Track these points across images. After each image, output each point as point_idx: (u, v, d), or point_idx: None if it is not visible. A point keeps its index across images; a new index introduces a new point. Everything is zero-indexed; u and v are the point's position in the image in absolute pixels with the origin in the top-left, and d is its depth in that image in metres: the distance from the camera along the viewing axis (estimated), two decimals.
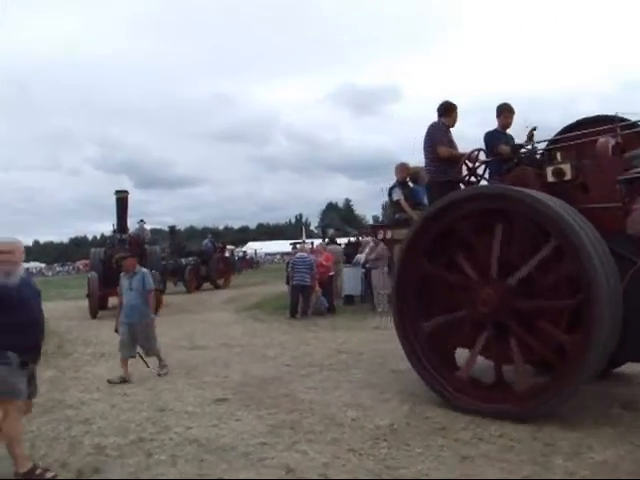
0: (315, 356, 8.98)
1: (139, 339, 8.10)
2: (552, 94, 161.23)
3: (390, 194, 7.88)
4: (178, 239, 29.11)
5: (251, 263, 48.89)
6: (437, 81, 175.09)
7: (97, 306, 16.13)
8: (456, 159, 6.62)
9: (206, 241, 27.97)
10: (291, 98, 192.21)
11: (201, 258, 25.22)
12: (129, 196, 17.96)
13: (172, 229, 29.24)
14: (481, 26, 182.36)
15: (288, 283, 14.90)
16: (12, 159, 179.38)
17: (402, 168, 8.20)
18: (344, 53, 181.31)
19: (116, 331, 8.31)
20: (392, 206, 7.74)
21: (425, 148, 6.77)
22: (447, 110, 6.90)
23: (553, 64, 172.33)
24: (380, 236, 7.39)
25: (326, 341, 10.41)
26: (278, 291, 18.28)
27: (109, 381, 7.67)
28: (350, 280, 15.76)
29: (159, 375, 7.96)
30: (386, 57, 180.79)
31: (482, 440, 4.87)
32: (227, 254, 42.19)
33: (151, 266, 16.48)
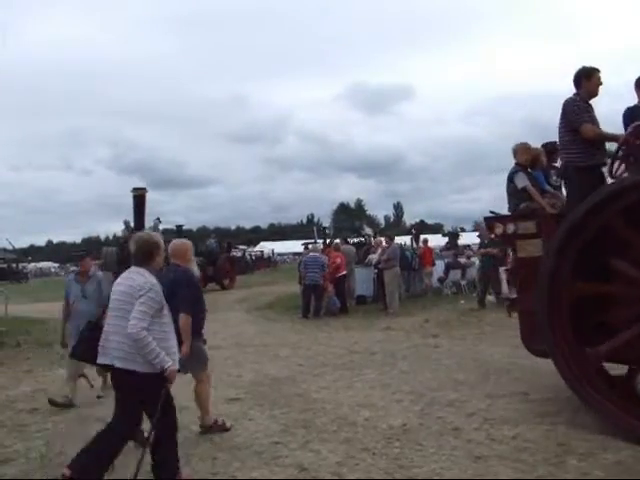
0: (327, 356, 8.98)
1: None
2: (568, 92, 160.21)
3: (512, 180, 6.65)
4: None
5: (269, 262, 48.85)
6: (451, 80, 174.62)
7: None
8: (603, 139, 5.66)
9: (211, 241, 27.55)
10: (303, 98, 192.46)
11: (207, 258, 24.73)
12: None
13: (179, 228, 27.43)
14: (496, 22, 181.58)
15: (300, 283, 14.91)
16: (26, 159, 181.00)
17: (524, 149, 6.96)
18: (356, 53, 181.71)
19: (64, 346, 6.92)
20: (515, 194, 6.52)
21: (561, 129, 5.76)
22: (584, 77, 5.66)
23: (570, 61, 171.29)
24: (499, 230, 6.03)
25: (338, 341, 10.42)
26: (290, 291, 18.31)
27: (51, 401, 6.49)
28: (362, 280, 15.76)
29: (98, 397, 6.75)
30: (399, 56, 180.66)
31: (495, 440, 4.85)
32: (239, 254, 42.59)
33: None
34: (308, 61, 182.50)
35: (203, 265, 23.85)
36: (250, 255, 52.07)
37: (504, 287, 13.72)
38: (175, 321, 4.42)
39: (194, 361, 5.12)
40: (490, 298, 12.96)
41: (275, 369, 8.17)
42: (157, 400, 3.96)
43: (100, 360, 4.12)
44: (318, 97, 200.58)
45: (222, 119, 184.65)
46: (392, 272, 13.83)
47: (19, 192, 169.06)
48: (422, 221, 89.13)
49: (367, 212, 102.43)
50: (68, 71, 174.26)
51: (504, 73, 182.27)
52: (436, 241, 23.88)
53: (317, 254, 14.44)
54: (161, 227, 21.08)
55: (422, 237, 19.67)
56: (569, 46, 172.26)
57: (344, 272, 14.52)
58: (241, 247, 49.38)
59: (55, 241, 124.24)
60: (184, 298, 4.96)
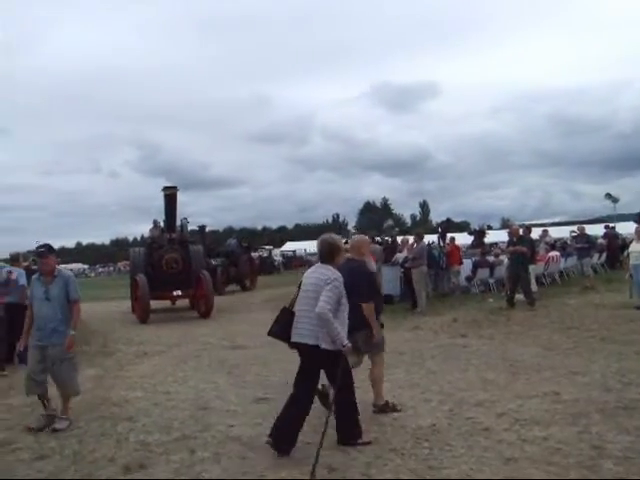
0: None
1: (53, 371, 5.90)
2: (595, 86, 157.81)
3: None
4: (208, 240, 27.08)
5: (301, 262, 48.72)
6: (476, 76, 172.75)
7: (149, 310, 14.87)
8: None
9: (232, 241, 27.00)
10: (327, 98, 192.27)
11: (229, 259, 24.33)
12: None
13: (202, 229, 26.84)
14: (521, 18, 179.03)
15: None
16: (55, 163, 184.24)
17: None
18: (380, 51, 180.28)
19: (18, 355, 6.50)
20: None
21: None
22: None
23: (595, 55, 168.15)
24: None
25: None
26: None
27: (29, 428, 5.81)
28: (388, 280, 15.68)
29: (55, 430, 5.70)
30: (423, 54, 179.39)
31: (526, 442, 4.79)
32: (265, 254, 42.76)
33: (196, 267, 16.17)
34: (332, 60, 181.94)
35: (224, 266, 23.72)
36: (283, 255, 52.25)
37: (533, 286, 13.56)
38: (352, 308, 4.99)
39: (373, 345, 5.69)
40: (519, 297, 12.79)
41: None
42: (336, 371, 4.67)
43: (293, 339, 4.92)
44: (342, 96, 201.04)
45: (247, 120, 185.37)
46: (419, 271, 13.73)
47: (49, 195, 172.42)
48: (448, 219, 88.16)
49: (393, 211, 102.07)
50: (95, 77, 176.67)
51: (529, 69, 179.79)
52: (463, 239, 23.61)
53: None
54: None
55: (449, 235, 19.49)
56: (595, 41, 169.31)
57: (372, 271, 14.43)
58: (267, 247, 49.61)
59: (84, 243, 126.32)
60: (364, 289, 5.48)
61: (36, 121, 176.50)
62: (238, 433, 5.39)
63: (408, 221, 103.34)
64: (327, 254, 4.94)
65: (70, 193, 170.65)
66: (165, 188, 16.10)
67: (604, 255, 19.42)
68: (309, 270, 5.09)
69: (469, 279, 16.57)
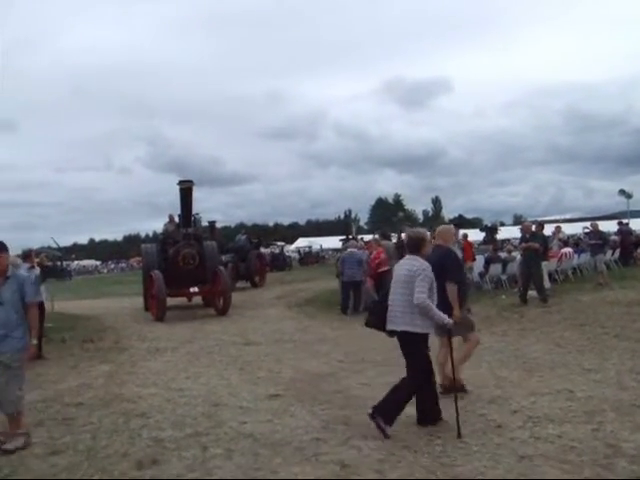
0: (367, 352, 8.94)
1: None
2: (609, 82, 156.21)
3: None
4: (218, 236, 25.99)
5: (317, 258, 48.69)
6: (488, 72, 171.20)
7: (165, 308, 14.32)
8: None
9: (241, 237, 26.61)
10: (340, 94, 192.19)
11: (238, 255, 23.87)
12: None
13: (212, 225, 25.78)
14: (534, 13, 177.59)
15: (339, 277, 14.83)
16: (67, 160, 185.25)
17: None
18: (392, 47, 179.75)
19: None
20: None
21: None
22: None
23: (610, 51, 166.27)
24: None
25: (378, 337, 10.28)
26: (329, 287, 18.30)
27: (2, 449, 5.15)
28: None
29: (6, 451, 5.07)
30: (435, 50, 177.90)
31: (540, 439, 4.76)
32: (277, 250, 42.83)
33: (211, 263, 15.88)
34: (345, 56, 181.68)
35: (234, 262, 23.17)
36: (299, 251, 52.24)
37: (546, 282, 13.46)
38: (442, 292, 5.46)
39: (462, 327, 5.92)
40: (532, 293, 12.70)
41: (315, 365, 8.18)
42: (423, 355, 5.17)
43: (389, 327, 5.29)
44: (355, 92, 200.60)
45: (258, 116, 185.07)
46: None
47: (62, 192, 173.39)
48: (461, 216, 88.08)
49: (405, 207, 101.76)
50: (107, 73, 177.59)
51: (543, 64, 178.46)
52: (475, 236, 23.52)
53: (355, 250, 14.37)
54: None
55: (462, 232, 19.41)
56: (610, 37, 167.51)
57: (386, 268, 14.39)
58: (279, 243, 49.67)
59: (97, 239, 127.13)
60: (450, 272, 5.92)
61: (48, 118, 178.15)
62: (250, 430, 5.39)
63: (420, 217, 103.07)
64: (414, 246, 5.37)
65: (83, 189, 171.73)
66: (181, 182, 15.62)
67: (617, 252, 19.22)
68: (401, 262, 5.52)
69: (482, 275, 16.49)
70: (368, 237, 27.54)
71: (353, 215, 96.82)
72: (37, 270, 9.97)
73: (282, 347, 9.90)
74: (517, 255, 15.42)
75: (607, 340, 8.51)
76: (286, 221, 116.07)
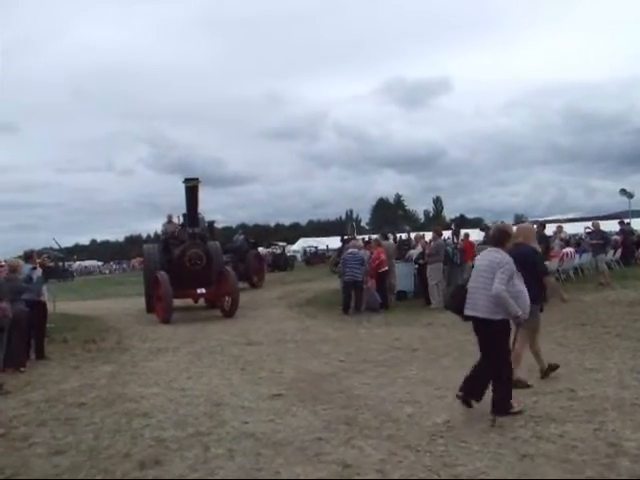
0: (369, 352, 8.95)
1: None
2: (609, 81, 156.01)
3: None
4: (217, 236, 25.15)
5: (323, 258, 48.65)
6: (488, 72, 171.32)
7: (172, 310, 13.99)
8: None
9: (239, 237, 26.32)
10: (340, 94, 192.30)
11: (237, 255, 23.58)
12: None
13: (210, 225, 25.34)
14: (534, 13, 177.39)
15: (340, 277, 14.82)
16: (69, 161, 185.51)
17: None
18: (392, 47, 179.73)
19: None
20: None
21: None
22: None
23: (610, 50, 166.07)
24: None
25: (379, 337, 10.38)
26: (330, 287, 18.32)
27: None
28: (402, 276, 15.65)
29: None
30: (435, 50, 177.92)
31: (542, 439, 4.76)
32: (278, 251, 42.87)
33: (217, 263, 15.64)
34: (344, 56, 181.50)
35: (233, 262, 22.57)
36: (305, 251, 52.29)
37: None
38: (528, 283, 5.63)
39: (530, 320, 5.93)
40: None
41: (316, 365, 8.19)
42: (502, 343, 5.43)
43: (467, 312, 5.56)
44: (355, 92, 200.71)
45: (259, 117, 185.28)
46: (435, 267, 13.70)
47: (64, 193, 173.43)
48: (462, 216, 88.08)
49: (406, 207, 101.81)
50: (109, 74, 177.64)
51: (543, 64, 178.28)
52: (476, 235, 23.50)
53: (356, 250, 14.38)
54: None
55: (463, 231, 19.42)
56: (610, 36, 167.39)
57: (386, 268, 14.42)
58: (280, 244, 49.76)
59: (99, 240, 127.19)
60: (540, 267, 6.41)
61: (49, 119, 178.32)
62: (252, 429, 5.39)
63: (421, 217, 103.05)
64: (499, 239, 5.67)
65: (84, 190, 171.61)
66: (186, 180, 15.15)
67: (619, 251, 19.23)
68: (483, 253, 5.86)
69: None
70: (361, 237, 27.51)
71: (354, 215, 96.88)
72: (39, 271, 9.99)
73: (284, 347, 9.90)
74: None
75: (608, 340, 8.52)
76: (287, 222, 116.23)
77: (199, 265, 14.66)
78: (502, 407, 5.38)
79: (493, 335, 5.42)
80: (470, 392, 5.53)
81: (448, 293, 6.17)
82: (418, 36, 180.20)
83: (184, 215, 16.34)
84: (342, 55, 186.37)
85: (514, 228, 6.60)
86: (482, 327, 5.48)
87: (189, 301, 17.04)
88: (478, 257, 5.90)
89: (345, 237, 33.22)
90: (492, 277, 5.32)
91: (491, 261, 5.46)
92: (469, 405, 5.53)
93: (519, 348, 6.41)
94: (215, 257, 15.74)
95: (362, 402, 6.11)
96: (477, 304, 5.45)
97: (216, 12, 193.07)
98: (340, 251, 31.93)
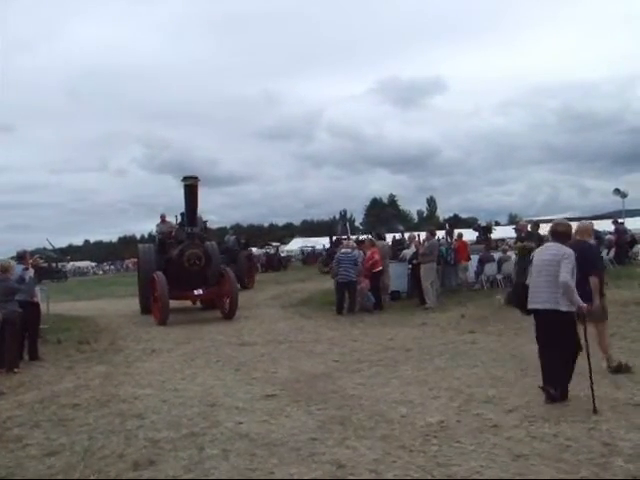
0: (363, 352, 8.96)
1: None
2: (604, 81, 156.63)
3: None
4: (211, 236, 25.81)
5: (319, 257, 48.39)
6: (483, 72, 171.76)
7: (168, 311, 13.74)
8: None
9: (230, 238, 25.95)
10: (334, 94, 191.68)
11: (228, 256, 22.85)
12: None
13: (204, 225, 25.13)
14: (528, 12, 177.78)
15: (333, 277, 14.80)
16: (63, 162, 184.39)
17: None
18: (386, 47, 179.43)
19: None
20: None
21: None
22: None
23: (605, 50, 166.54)
24: None
25: (374, 337, 10.38)
26: (324, 287, 18.31)
27: None
28: (396, 276, 15.67)
29: None
30: (430, 49, 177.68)
31: (536, 438, 4.77)
32: (272, 251, 42.83)
33: (216, 264, 15.29)
34: (338, 56, 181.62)
35: (226, 263, 21.25)
36: (302, 251, 52.24)
37: None
38: (581, 281, 5.84)
39: (596, 314, 6.29)
40: None
41: (311, 365, 8.18)
42: (568, 333, 5.63)
43: (531, 306, 5.83)
44: (349, 92, 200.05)
45: (254, 117, 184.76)
46: (428, 267, 13.73)
47: (58, 194, 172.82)
48: (456, 215, 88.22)
49: (400, 207, 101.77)
50: (103, 74, 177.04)
51: (538, 64, 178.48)
52: (468, 235, 23.54)
53: (350, 250, 14.38)
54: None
55: (456, 231, 19.46)
56: (605, 36, 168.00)
57: (380, 268, 14.43)
58: (274, 244, 49.70)
59: (92, 240, 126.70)
60: (594, 265, 6.53)
61: (44, 119, 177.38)
62: (246, 430, 5.39)
63: (415, 217, 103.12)
64: (559, 234, 5.93)
65: (78, 191, 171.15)
66: (185, 178, 14.80)
67: (613, 251, 19.29)
68: (542, 248, 6.16)
69: (478, 275, 16.54)
70: (354, 237, 27.45)
71: (348, 215, 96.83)
72: (31, 271, 9.94)
73: (278, 347, 9.89)
74: (512, 255, 15.46)
75: None
76: (281, 221, 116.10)
77: (197, 266, 14.31)
78: (561, 393, 5.64)
79: (559, 326, 5.65)
80: (551, 383, 5.70)
81: (509, 290, 6.94)
82: (413, 36, 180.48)
83: (182, 214, 16.00)
84: (337, 55, 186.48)
85: (573, 225, 6.85)
86: (548, 319, 5.71)
87: (186, 302, 16.90)
88: (537, 252, 6.15)
89: (335, 237, 33.34)
90: (556, 270, 5.56)
91: (555, 255, 5.71)
92: (551, 396, 5.66)
93: (602, 339, 6.73)
94: (214, 258, 15.42)
95: (356, 402, 6.11)
96: (542, 297, 5.70)
97: (210, 12, 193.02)
98: (329, 251, 32.09)
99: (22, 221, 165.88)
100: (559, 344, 5.66)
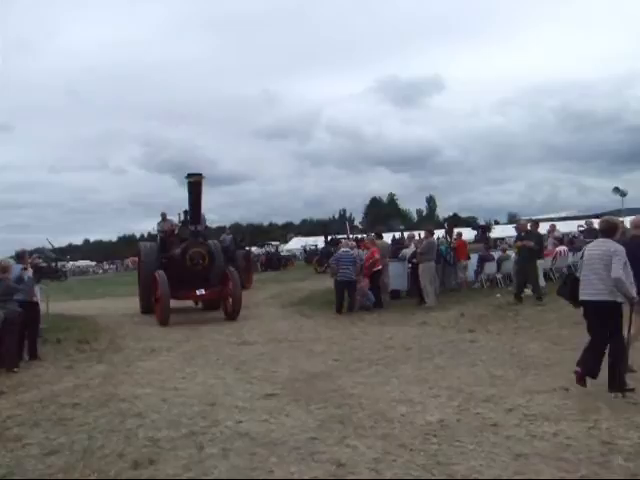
0: (363, 351, 8.96)
1: None
2: (603, 80, 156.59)
3: None
4: (211, 236, 24.97)
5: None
6: (482, 71, 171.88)
7: (169, 312, 13.44)
8: None
9: (226, 237, 25.21)
10: (333, 93, 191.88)
11: (225, 255, 21.62)
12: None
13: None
14: (527, 12, 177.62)
15: (333, 276, 14.79)
16: (63, 161, 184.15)
17: None
18: (385, 46, 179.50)
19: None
20: None
21: None
22: None
23: (604, 48, 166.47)
24: None
25: (373, 336, 10.38)
26: (324, 286, 18.29)
27: None
28: (396, 275, 15.66)
29: None
30: (429, 48, 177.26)
31: (536, 437, 4.77)
32: (272, 250, 42.83)
33: (219, 263, 14.91)
34: (337, 55, 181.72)
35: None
36: (305, 249, 52.17)
37: (541, 280, 13.52)
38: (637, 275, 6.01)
39: None
40: (527, 292, 12.75)
41: (310, 365, 8.18)
42: (617, 324, 5.92)
43: (582, 297, 6.13)
44: (348, 91, 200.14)
45: (253, 116, 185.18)
46: (427, 266, 13.72)
47: (57, 193, 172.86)
48: (455, 214, 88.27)
49: (399, 206, 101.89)
50: (101, 74, 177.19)
51: (537, 63, 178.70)
52: (470, 234, 23.56)
53: (349, 249, 14.36)
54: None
55: (456, 230, 19.48)
56: (604, 34, 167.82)
57: (380, 267, 14.42)
58: (273, 243, 49.67)
59: (92, 240, 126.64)
60: None
61: (43, 118, 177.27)
62: (246, 429, 5.38)
63: (415, 216, 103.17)
64: (608, 230, 6.17)
65: (77, 190, 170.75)
66: (189, 175, 14.39)
67: None
68: (591, 244, 6.37)
69: (477, 274, 16.55)
70: (354, 236, 27.49)
71: (348, 214, 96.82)
72: (30, 271, 9.92)
73: (277, 346, 9.89)
74: (512, 254, 15.46)
75: None
76: (280, 220, 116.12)
77: (200, 265, 13.92)
78: (619, 384, 5.80)
79: (608, 316, 5.92)
80: (587, 371, 5.93)
81: (562, 282, 6.97)
82: (411, 35, 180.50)
83: (185, 212, 15.69)
84: (336, 54, 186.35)
85: (627, 220, 7.10)
86: (598, 310, 5.97)
87: (187, 302, 16.62)
88: (588, 248, 6.36)
89: (330, 237, 33.37)
90: (607, 264, 5.82)
91: (605, 250, 5.94)
92: (584, 384, 5.92)
93: (635, 332, 6.69)
94: (217, 257, 14.97)
95: (356, 401, 6.11)
96: (593, 289, 5.97)
97: (210, 11, 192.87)
98: (324, 251, 32.07)
99: (21, 220, 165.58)
100: (606, 333, 5.92)
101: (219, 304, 15.21)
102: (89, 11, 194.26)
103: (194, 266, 13.87)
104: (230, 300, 14.02)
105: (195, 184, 14.30)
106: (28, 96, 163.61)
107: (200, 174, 14.50)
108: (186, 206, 15.29)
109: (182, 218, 16.08)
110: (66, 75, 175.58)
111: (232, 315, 13.81)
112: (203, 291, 14.10)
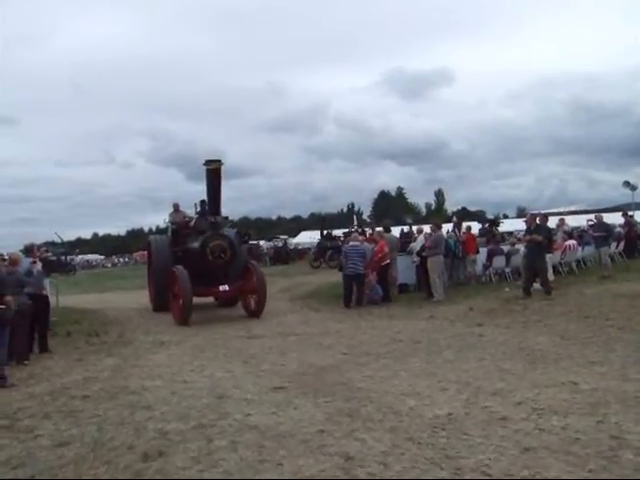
0: (371, 345, 8.97)
1: None
2: (613, 72, 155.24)
3: None
4: None
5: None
6: (490, 63, 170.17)
7: (191, 311, 12.47)
8: None
9: (232, 232, 25.32)
10: (340, 86, 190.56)
11: None
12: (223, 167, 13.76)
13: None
14: (534, 3, 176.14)
15: (341, 270, 14.80)
16: (70, 155, 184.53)
17: None
18: (392, 38, 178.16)
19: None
20: None
21: None
22: None
23: (614, 41, 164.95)
24: None
25: (382, 330, 10.39)
26: (332, 280, 18.30)
27: None
28: (404, 269, 15.65)
29: None
30: (436, 41, 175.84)
31: (544, 431, 4.76)
32: (280, 244, 42.87)
33: (240, 257, 14.07)
34: (344, 48, 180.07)
35: None
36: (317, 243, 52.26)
37: (550, 274, 13.46)
38: None
39: None
40: (536, 286, 12.70)
41: (319, 358, 8.20)
42: None
43: None
44: (355, 84, 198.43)
45: (260, 109, 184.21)
46: (435, 260, 13.70)
47: (65, 187, 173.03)
48: (464, 208, 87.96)
49: (408, 200, 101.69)
50: (107, 67, 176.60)
51: (546, 55, 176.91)
52: (476, 228, 23.49)
53: (357, 243, 14.36)
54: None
55: (465, 224, 19.42)
56: (613, 27, 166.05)
57: (388, 260, 14.42)
58: (282, 237, 49.71)
59: (100, 234, 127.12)
60: None
61: (49, 113, 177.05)
62: (255, 422, 5.41)
63: (423, 210, 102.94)
64: None
65: (85, 184, 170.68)
66: (207, 162, 13.36)
67: (622, 244, 19.19)
68: None
69: (486, 267, 16.51)
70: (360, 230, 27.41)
71: (356, 208, 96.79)
72: (39, 265, 10.00)
73: (286, 340, 9.92)
74: (521, 247, 15.41)
75: (611, 332, 8.50)
76: (289, 214, 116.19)
77: (222, 259, 13.00)
78: None
79: None
80: None
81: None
82: (419, 27, 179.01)
83: (202, 202, 14.67)
84: (342, 47, 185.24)
85: None
86: None
87: (200, 298, 15.33)
88: None
89: (325, 232, 33.49)
90: None
91: None
92: None
93: None
94: (239, 250, 14.00)
95: (364, 394, 6.12)
96: None
97: (216, 3, 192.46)
98: (319, 246, 32.08)
99: (29, 215, 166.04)
100: None
101: (237, 300, 14.77)
102: (94, 4, 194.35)
103: (215, 260, 13.00)
104: (254, 296, 13.30)
105: (214, 171, 13.43)
106: (33, 90, 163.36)
107: (219, 160, 13.59)
108: (193, 199, 15.03)
109: (198, 209, 15.13)
110: (71, 69, 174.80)
111: (256, 312, 13.09)
112: (227, 287, 13.22)
